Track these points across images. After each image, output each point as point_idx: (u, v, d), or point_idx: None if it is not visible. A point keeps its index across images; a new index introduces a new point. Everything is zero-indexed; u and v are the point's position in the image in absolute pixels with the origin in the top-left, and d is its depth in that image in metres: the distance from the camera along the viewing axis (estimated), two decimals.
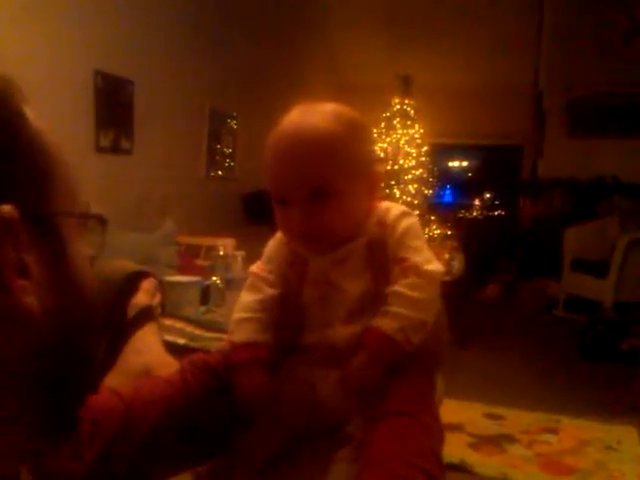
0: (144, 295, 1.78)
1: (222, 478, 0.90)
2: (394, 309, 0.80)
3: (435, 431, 0.78)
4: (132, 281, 1.81)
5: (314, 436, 0.88)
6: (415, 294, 0.80)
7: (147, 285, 1.83)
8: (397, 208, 0.88)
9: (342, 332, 0.84)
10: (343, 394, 0.83)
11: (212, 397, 0.89)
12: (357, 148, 0.84)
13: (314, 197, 0.80)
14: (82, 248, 0.53)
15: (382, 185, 0.95)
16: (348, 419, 0.84)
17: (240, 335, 0.87)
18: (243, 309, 0.89)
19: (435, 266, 0.83)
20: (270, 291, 0.90)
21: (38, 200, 0.46)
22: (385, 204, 0.89)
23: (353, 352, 0.81)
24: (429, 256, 0.84)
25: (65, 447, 0.75)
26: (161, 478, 0.91)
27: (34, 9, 3.30)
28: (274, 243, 0.94)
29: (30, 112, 0.49)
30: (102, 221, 0.59)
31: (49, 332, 0.45)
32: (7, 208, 0.41)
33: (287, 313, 0.89)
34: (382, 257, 0.84)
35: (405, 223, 0.85)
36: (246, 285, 0.93)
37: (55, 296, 0.46)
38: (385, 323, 0.80)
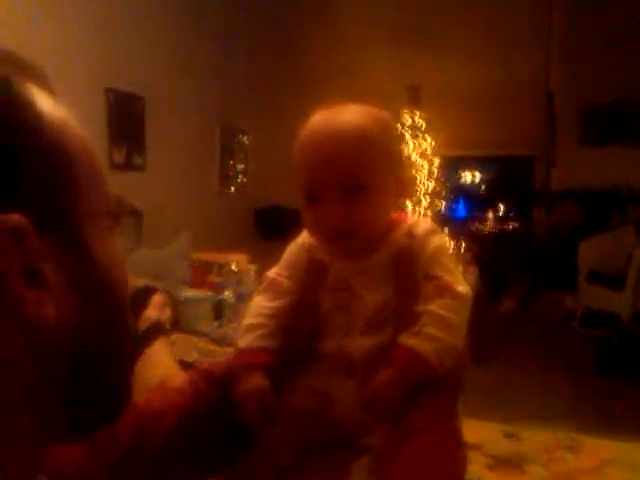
0: (154, 310, 1.77)
1: None
2: (429, 330, 0.77)
3: (459, 457, 0.75)
4: (141, 296, 1.81)
5: (329, 445, 0.86)
6: (451, 316, 0.78)
7: (156, 300, 1.83)
8: (427, 223, 0.87)
9: (360, 343, 0.82)
10: (361, 407, 0.81)
11: (219, 408, 0.87)
12: (389, 145, 0.85)
13: (348, 193, 0.80)
14: (114, 246, 0.50)
15: (411, 186, 0.94)
16: (365, 430, 0.81)
17: (245, 340, 0.86)
18: (253, 315, 0.88)
19: (466, 288, 0.81)
20: (284, 298, 0.88)
21: (58, 205, 0.44)
22: (414, 218, 0.89)
23: (373, 365, 0.79)
24: (460, 277, 0.82)
25: (83, 458, 0.73)
26: None
27: (44, 28, 3.32)
28: (294, 248, 0.92)
29: (45, 102, 0.46)
30: (136, 214, 0.57)
31: (73, 341, 0.43)
32: (16, 217, 0.39)
33: (302, 320, 0.87)
34: (409, 270, 0.82)
35: (437, 240, 0.84)
36: (260, 289, 0.92)
37: (80, 303, 0.44)
38: (419, 343, 0.77)
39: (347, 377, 0.82)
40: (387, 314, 0.82)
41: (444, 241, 0.86)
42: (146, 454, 0.80)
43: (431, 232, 0.85)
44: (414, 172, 6.41)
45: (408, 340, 0.77)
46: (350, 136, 0.80)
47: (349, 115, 0.83)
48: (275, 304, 0.88)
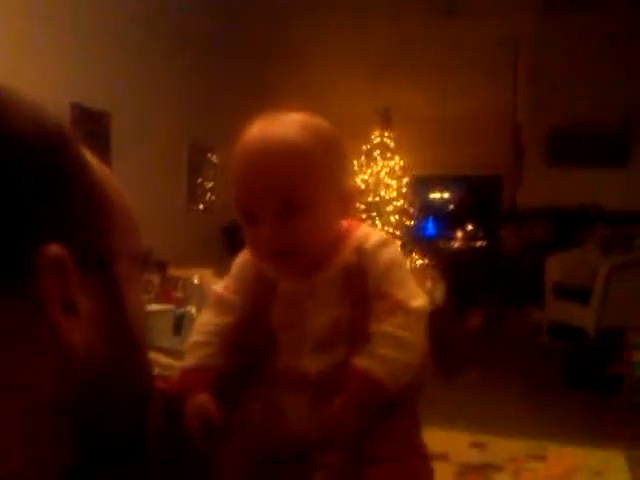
0: None
1: None
2: (382, 351, 0.75)
3: (423, 473, 0.75)
4: None
5: (284, 461, 0.84)
6: (405, 334, 0.75)
7: None
8: (376, 234, 0.83)
9: (311, 362, 0.79)
10: (318, 435, 0.79)
11: (170, 427, 0.85)
12: (329, 159, 0.80)
13: (284, 212, 0.76)
14: (138, 291, 0.54)
15: (356, 200, 0.90)
16: (319, 446, 0.80)
17: (189, 360, 0.83)
18: (198, 332, 0.85)
19: (421, 301, 0.78)
20: (231, 314, 0.85)
21: (96, 241, 0.48)
22: (363, 229, 0.84)
23: (326, 382, 0.77)
24: (414, 289, 0.79)
25: None
26: None
27: (9, 43, 3.30)
28: (241, 261, 0.88)
29: (89, 156, 0.51)
30: (161, 266, 0.62)
31: (94, 372, 0.45)
32: (55, 248, 0.42)
33: (253, 336, 0.85)
34: (360, 288, 0.79)
35: (387, 254, 0.80)
36: (208, 304, 0.88)
37: (105, 337, 0.47)
38: (373, 367, 0.74)
39: (301, 392, 0.80)
40: (339, 333, 0.79)
41: (395, 253, 0.82)
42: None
43: (381, 245, 0.81)
44: (383, 191, 6.47)
45: (362, 362, 0.75)
46: (284, 154, 0.76)
47: (285, 130, 0.78)
48: (222, 320, 0.84)
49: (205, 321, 0.85)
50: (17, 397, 0.42)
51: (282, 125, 0.79)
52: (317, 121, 0.82)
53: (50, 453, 0.44)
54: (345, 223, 0.84)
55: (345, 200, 0.83)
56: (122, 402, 0.50)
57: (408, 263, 5.95)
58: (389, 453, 0.74)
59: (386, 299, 0.77)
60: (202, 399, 0.79)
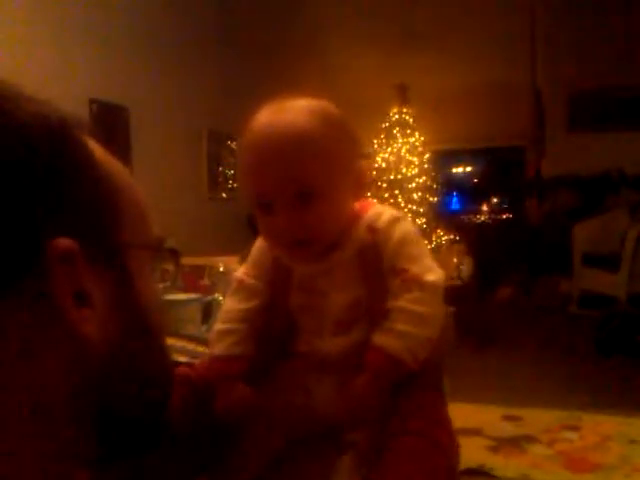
0: None
1: None
2: (399, 326, 0.75)
3: (448, 446, 0.75)
4: None
5: (313, 442, 0.85)
6: (421, 309, 0.76)
7: None
8: (389, 213, 0.83)
9: (331, 343, 0.80)
10: (342, 413, 0.80)
11: (194, 412, 0.86)
12: (340, 143, 0.80)
13: (299, 201, 0.76)
14: (151, 280, 0.55)
15: (368, 182, 0.90)
16: (345, 426, 0.81)
17: (218, 348, 0.83)
18: (223, 320, 0.85)
19: (436, 275, 0.78)
20: (254, 299, 0.85)
21: (105, 233, 0.48)
22: (375, 208, 0.84)
23: (349, 361, 0.78)
24: (429, 264, 0.79)
25: None
26: None
27: (29, 39, 3.33)
28: (259, 247, 0.88)
29: (95, 146, 0.50)
30: (174, 254, 0.64)
31: (110, 362, 0.46)
32: (65, 241, 0.42)
33: (275, 320, 0.85)
34: (376, 266, 0.80)
35: (400, 229, 0.80)
36: (230, 291, 0.88)
37: (119, 326, 0.48)
38: (390, 343, 0.75)
39: (323, 374, 0.81)
40: (357, 312, 0.80)
41: (409, 228, 0.82)
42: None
43: (394, 221, 0.81)
44: (405, 168, 6.43)
45: (379, 339, 0.76)
46: (296, 142, 0.76)
47: (294, 117, 0.78)
48: (245, 306, 0.85)
49: (229, 308, 0.86)
50: (35, 388, 0.43)
51: (290, 112, 0.78)
52: (324, 105, 0.82)
53: (71, 441, 0.45)
54: (357, 204, 0.84)
55: (357, 183, 0.83)
56: (140, 388, 0.51)
57: (434, 239, 5.93)
58: (414, 427, 0.74)
59: (401, 275, 0.77)
60: (240, 392, 0.80)
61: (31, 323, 0.42)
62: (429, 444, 0.73)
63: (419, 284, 0.76)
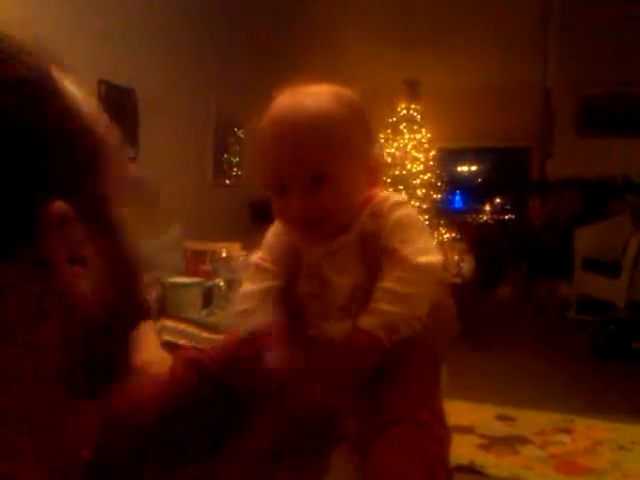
0: None
1: (218, 475, 0.87)
2: (379, 305, 0.75)
3: (440, 434, 0.75)
4: None
5: (311, 431, 0.86)
6: (403, 289, 0.75)
7: None
8: (393, 199, 0.83)
9: (337, 329, 0.80)
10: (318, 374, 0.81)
11: (203, 395, 0.87)
12: (357, 130, 0.81)
13: (314, 182, 0.77)
14: (130, 226, 0.54)
15: (383, 170, 0.90)
16: (344, 413, 0.81)
17: (244, 327, 0.83)
18: (244, 301, 0.85)
19: (428, 258, 0.77)
20: (271, 281, 0.86)
21: (91, 188, 0.47)
22: (383, 195, 0.84)
23: None
24: (423, 246, 0.78)
25: None
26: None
27: (37, 21, 3.32)
28: (273, 232, 0.89)
29: (66, 81, 0.48)
30: (154, 196, 0.62)
31: (103, 315, 0.47)
32: (59, 205, 0.42)
33: (286, 305, 0.85)
34: (375, 250, 0.80)
35: (398, 213, 0.80)
36: (248, 276, 0.88)
37: (111, 279, 0.48)
38: (367, 320, 0.75)
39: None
40: (359, 298, 0.79)
41: (408, 213, 0.81)
42: (117, 446, 0.80)
43: (394, 205, 0.81)
44: (410, 164, 6.42)
45: (360, 320, 0.76)
46: (316, 125, 0.77)
47: (316, 100, 0.79)
48: (265, 286, 0.86)
49: (248, 290, 0.86)
50: (35, 350, 0.44)
51: (313, 95, 0.80)
52: (347, 92, 0.83)
53: (65, 381, 0.46)
54: (368, 191, 0.84)
55: (372, 170, 0.84)
56: (121, 330, 0.52)
57: (435, 236, 5.93)
58: (406, 415, 0.74)
59: (392, 255, 0.77)
60: (283, 351, 0.79)
61: (31, 288, 0.42)
62: (422, 430, 0.73)
63: (408, 264, 0.76)
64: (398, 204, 0.82)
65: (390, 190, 0.88)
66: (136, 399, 0.84)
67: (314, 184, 0.77)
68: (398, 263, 0.76)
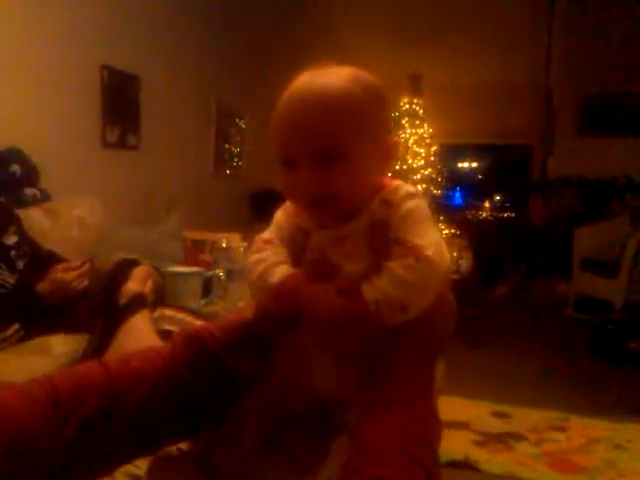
0: (135, 283, 1.78)
1: (210, 455, 0.87)
2: (378, 282, 0.76)
3: (432, 423, 0.75)
4: (121, 268, 1.82)
5: (308, 419, 0.85)
6: (405, 275, 0.75)
7: (138, 273, 1.84)
8: (405, 188, 0.83)
9: None
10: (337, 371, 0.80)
11: (202, 370, 0.87)
12: (374, 112, 0.81)
13: (325, 158, 0.76)
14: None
15: (397, 156, 0.89)
16: (343, 403, 0.81)
17: (272, 279, 0.81)
18: (257, 264, 0.84)
19: (436, 252, 0.77)
20: (281, 249, 0.87)
21: None
22: (395, 183, 0.84)
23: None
24: (433, 240, 0.78)
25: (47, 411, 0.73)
26: (148, 453, 0.89)
27: (40, 6, 3.30)
28: (283, 212, 0.91)
29: None
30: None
31: None
32: None
33: None
34: (384, 239, 0.80)
35: (410, 204, 0.80)
36: (253, 249, 0.89)
37: None
38: (365, 288, 0.75)
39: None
40: None
41: (419, 205, 0.81)
42: (116, 418, 0.80)
43: (406, 196, 0.81)
44: (411, 159, 6.41)
45: (362, 287, 0.76)
46: (332, 101, 0.77)
47: (332, 79, 0.79)
48: (275, 251, 0.86)
49: (258, 257, 0.86)
50: None
51: (330, 74, 0.80)
52: (367, 74, 0.83)
53: None
54: (381, 179, 0.84)
55: (386, 155, 0.83)
56: None
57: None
58: (402, 397, 0.74)
59: (402, 245, 0.77)
60: (329, 289, 0.77)
61: None
62: (413, 414, 0.73)
63: (416, 255, 0.76)
64: (410, 195, 0.82)
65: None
66: (137, 374, 0.84)
67: (325, 161, 0.77)
68: (410, 252, 0.76)
